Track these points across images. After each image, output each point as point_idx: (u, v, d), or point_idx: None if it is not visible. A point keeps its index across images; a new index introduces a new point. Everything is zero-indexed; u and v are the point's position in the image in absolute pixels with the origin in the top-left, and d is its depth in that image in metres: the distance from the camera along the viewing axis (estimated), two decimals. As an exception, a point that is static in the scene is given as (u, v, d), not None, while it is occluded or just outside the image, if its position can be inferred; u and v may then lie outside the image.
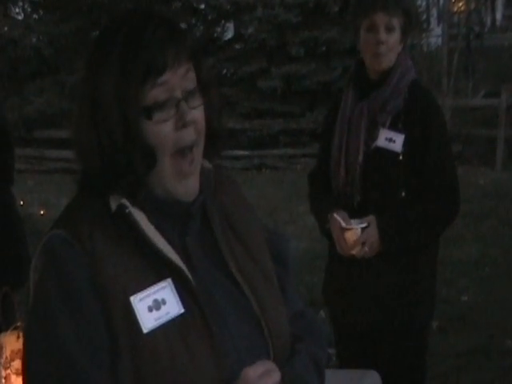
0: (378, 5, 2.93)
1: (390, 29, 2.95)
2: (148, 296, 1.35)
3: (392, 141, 2.96)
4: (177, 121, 1.38)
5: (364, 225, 2.97)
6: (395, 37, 2.98)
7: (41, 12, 15.52)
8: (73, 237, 1.35)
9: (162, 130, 1.37)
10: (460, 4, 19.74)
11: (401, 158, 2.96)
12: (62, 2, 14.14)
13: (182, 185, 1.42)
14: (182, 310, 1.38)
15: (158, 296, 1.36)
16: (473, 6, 18.23)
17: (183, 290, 1.39)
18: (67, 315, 1.32)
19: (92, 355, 1.31)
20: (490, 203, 9.00)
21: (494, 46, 22.11)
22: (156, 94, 1.36)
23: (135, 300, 1.34)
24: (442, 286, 5.74)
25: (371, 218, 2.97)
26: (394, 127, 2.98)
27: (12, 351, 2.47)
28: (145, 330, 1.33)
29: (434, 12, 23.09)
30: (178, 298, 1.38)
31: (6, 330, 2.54)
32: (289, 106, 13.35)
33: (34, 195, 10.26)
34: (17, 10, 15.96)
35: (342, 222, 2.98)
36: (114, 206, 1.38)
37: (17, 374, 2.36)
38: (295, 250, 6.85)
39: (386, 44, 2.95)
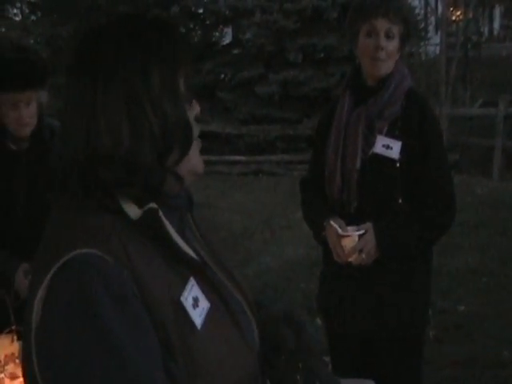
0: (379, 10, 2.92)
1: (389, 36, 2.94)
2: (188, 295, 1.38)
3: (389, 148, 2.95)
4: (192, 111, 1.46)
5: (361, 232, 2.95)
6: (394, 44, 2.97)
7: (38, 13, 15.55)
8: (106, 253, 1.30)
9: (191, 116, 1.44)
10: (458, 13, 19.79)
11: (398, 164, 2.94)
12: (60, 3, 14.16)
13: (201, 162, 1.49)
14: (209, 304, 1.41)
15: (193, 294, 1.39)
16: (471, 15, 18.26)
17: (203, 285, 1.42)
18: (119, 317, 1.26)
19: (150, 355, 1.29)
20: (487, 213, 8.98)
21: (491, 56, 22.22)
22: (185, 82, 1.43)
23: (183, 299, 1.36)
24: (438, 296, 5.74)
25: (368, 225, 2.95)
26: (391, 134, 2.97)
27: (6, 355, 2.45)
28: (198, 327, 1.36)
29: (432, 20, 23.16)
30: (202, 294, 1.41)
31: (0, 333, 2.52)
32: (286, 112, 13.38)
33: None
34: (14, 11, 15.99)
35: (338, 228, 2.96)
36: (131, 212, 1.36)
37: (11, 377, 2.34)
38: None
39: (386, 50, 2.94)
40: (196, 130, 1.45)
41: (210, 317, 1.39)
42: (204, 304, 1.40)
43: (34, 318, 1.29)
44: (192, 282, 1.40)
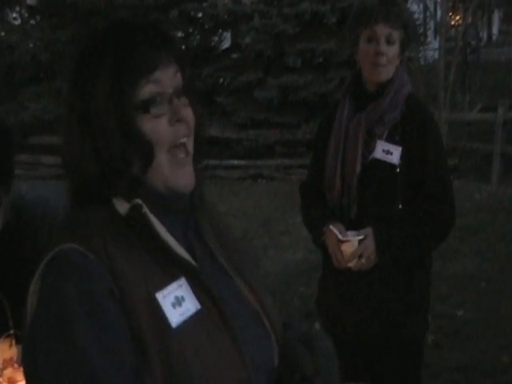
0: (380, 16, 2.92)
1: (390, 41, 2.95)
2: (170, 293, 1.38)
3: (389, 153, 2.95)
4: (171, 116, 1.42)
5: (361, 237, 2.94)
6: (394, 50, 2.97)
7: (38, 18, 15.51)
8: (87, 249, 1.34)
9: (158, 124, 1.41)
10: (457, 18, 19.81)
11: (398, 170, 2.95)
12: (60, 8, 14.14)
13: (180, 175, 1.45)
14: (199, 307, 1.41)
15: (178, 293, 1.39)
16: (470, 20, 18.26)
17: (196, 287, 1.42)
18: (87, 321, 1.29)
19: (114, 358, 1.30)
20: (486, 217, 8.97)
21: (490, 61, 22.22)
22: (150, 89, 1.40)
23: (160, 297, 1.36)
24: (437, 301, 5.74)
25: (368, 230, 2.94)
26: (391, 139, 2.97)
27: (4, 360, 2.44)
28: (173, 325, 1.36)
29: (431, 25, 23.14)
30: (193, 295, 1.41)
31: (-1, 337, 2.51)
32: (285, 116, 13.36)
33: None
34: (14, 16, 15.96)
35: (338, 234, 2.96)
36: (121, 209, 1.39)
37: (9, 382, 2.33)
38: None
39: (386, 55, 2.95)
40: (169, 136, 1.42)
41: (196, 320, 1.39)
42: (191, 305, 1.40)
43: (28, 312, 1.34)
44: (182, 281, 1.41)
